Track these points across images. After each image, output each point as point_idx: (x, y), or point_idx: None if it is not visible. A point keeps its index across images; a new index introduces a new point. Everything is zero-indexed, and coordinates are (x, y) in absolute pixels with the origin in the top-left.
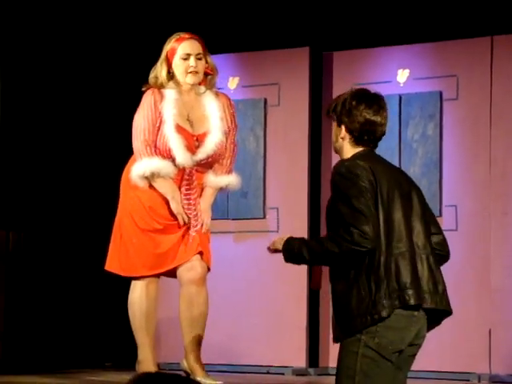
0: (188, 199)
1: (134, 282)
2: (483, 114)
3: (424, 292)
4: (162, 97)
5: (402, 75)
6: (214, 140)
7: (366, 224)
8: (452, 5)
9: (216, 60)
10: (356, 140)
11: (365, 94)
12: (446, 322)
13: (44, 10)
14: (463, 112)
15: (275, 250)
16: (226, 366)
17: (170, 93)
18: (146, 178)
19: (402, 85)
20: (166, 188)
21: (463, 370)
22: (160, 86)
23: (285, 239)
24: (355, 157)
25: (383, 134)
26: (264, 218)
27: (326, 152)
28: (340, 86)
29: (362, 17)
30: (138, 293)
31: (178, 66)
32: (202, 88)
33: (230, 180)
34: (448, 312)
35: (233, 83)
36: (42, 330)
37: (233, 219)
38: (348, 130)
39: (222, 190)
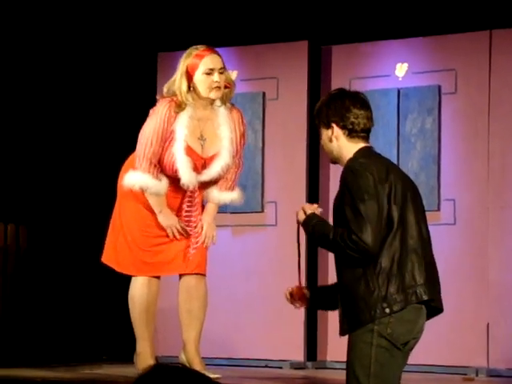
0: (189, 216)
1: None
2: (482, 107)
3: (431, 289)
4: (177, 112)
5: (401, 69)
6: (220, 164)
7: (368, 232)
8: None
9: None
10: (351, 134)
11: (345, 93)
12: (444, 316)
13: (45, 9)
14: (462, 106)
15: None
16: (224, 359)
17: (186, 109)
18: None
19: (400, 79)
20: (154, 201)
21: (461, 364)
22: (180, 103)
23: (306, 215)
24: (365, 154)
25: (372, 126)
26: (262, 211)
27: None
28: (338, 80)
29: (361, 11)
30: (139, 286)
31: (200, 81)
32: (218, 102)
33: (233, 197)
34: (441, 310)
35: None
36: (40, 324)
37: (231, 213)
38: (340, 126)
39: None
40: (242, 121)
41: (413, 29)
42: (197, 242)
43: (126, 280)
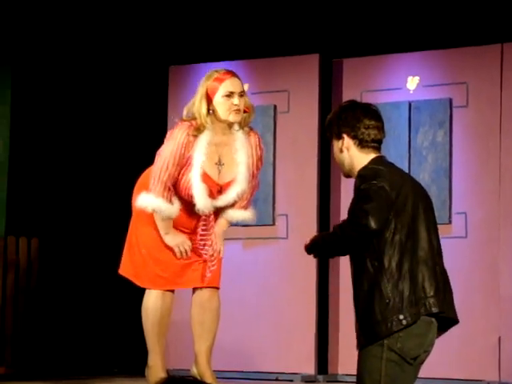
0: (204, 240)
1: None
2: (493, 121)
3: (442, 301)
4: (195, 136)
5: (412, 82)
6: (236, 190)
7: (371, 205)
8: (462, 12)
9: (225, 67)
10: (361, 144)
11: (356, 104)
12: (455, 330)
13: (62, 18)
14: (473, 119)
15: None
16: (235, 372)
17: (204, 134)
18: None
19: (411, 92)
20: (162, 224)
21: (472, 378)
22: (200, 126)
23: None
24: (378, 162)
25: (383, 137)
26: (273, 224)
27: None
28: (350, 93)
29: (372, 24)
30: (153, 298)
31: (220, 103)
32: (236, 126)
33: (245, 215)
34: (456, 321)
35: None
36: (52, 337)
37: (242, 226)
38: (351, 137)
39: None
40: (260, 145)
41: (424, 42)
42: (212, 266)
43: (138, 294)
